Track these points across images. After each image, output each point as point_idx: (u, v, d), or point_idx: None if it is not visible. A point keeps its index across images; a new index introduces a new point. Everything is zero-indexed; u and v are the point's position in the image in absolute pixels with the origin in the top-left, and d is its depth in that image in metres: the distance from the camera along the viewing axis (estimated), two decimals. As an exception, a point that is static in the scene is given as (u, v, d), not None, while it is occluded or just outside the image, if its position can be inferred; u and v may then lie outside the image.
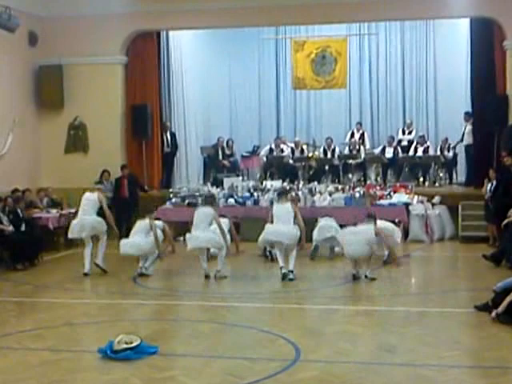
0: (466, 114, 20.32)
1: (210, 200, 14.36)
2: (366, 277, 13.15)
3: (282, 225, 13.34)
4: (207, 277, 13.63)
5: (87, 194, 14.74)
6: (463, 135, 20.30)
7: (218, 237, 13.66)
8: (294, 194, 18.24)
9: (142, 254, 13.99)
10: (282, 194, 14.10)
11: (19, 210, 15.76)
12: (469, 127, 20.04)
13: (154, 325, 10.53)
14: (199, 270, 13.91)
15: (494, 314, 9.94)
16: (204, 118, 24.12)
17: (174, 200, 19.15)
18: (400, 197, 18.57)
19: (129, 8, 19.46)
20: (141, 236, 14.03)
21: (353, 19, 21.01)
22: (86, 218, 14.42)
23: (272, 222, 13.50)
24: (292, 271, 13.33)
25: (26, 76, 19.85)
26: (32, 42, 19.85)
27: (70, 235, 14.86)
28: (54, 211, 17.79)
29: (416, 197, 18.77)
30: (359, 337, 9.54)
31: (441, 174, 21.07)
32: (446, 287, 13.03)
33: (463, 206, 18.31)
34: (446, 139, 21.34)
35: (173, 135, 21.79)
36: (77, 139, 20.51)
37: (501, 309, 9.87)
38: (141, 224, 14.25)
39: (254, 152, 23.56)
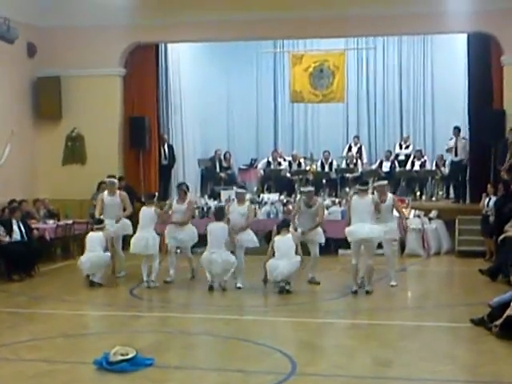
0: (456, 128, 19.99)
1: (220, 215, 14.16)
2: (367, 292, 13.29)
3: (283, 260, 13.23)
4: (211, 288, 13.66)
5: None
6: (456, 150, 19.84)
7: (231, 258, 13.66)
8: (290, 206, 18.29)
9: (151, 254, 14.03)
10: (283, 226, 13.84)
11: (14, 221, 15.73)
12: (462, 141, 19.78)
13: (149, 337, 10.51)
14: (195, 282, 13.92)
15: (494, 328, 9.93)
16: (201, 130, 24.14)
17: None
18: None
19: (127, 20, 19.48)
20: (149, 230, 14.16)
21: (351, 33, 21.09)
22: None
23: (273, 254, 13.41)
24: (289, 282, 13.35)
25: (24, 87, 19.87)
26: (30, 53, 19.87)
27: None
28: (50, 222, 17.79)
29: (413, 211, 18.80)
30: (355, 351, 9.54)
31: (440, 193, 21.03)
32: (442, 301, 13.06)
33: (460, 220, 18.34)
34: (442, 156, 21.32)
35: (170, 147, 21.78)
36: (74, 151, 20.51)
37: (498, 323, 9.87)
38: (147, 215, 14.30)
39: (252, 165, 23.60)
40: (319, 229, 14.20)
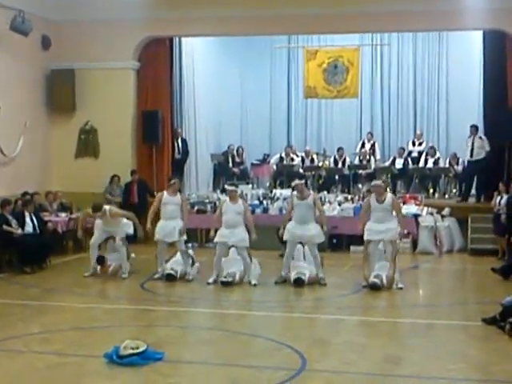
0: (473, 126, 19.49)
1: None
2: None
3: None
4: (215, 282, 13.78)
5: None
6: (472, 150, 19.21)
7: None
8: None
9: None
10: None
11: (27, 213, 15.77)
12: (479, 141, 19.17)
13: (160, 331, 10.51)
14: (207, 277, 13.92)
15: (508, 325, 9.88)
16: (215, 125, 24.12)
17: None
18: (410, 208, 18.53)
19: (142, 14, 19.44)
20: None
21: (365, 29, 20.98)
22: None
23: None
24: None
25: (38, 80, 19.88)
26: (45, 45, 19.87)
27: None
28: (63, 215, 17.82)
29: (426, 208, 18.73)
30: (366, 348, 9.51)
31: (453, 191, 20.93)
32: (453, 299, 13.01)
33: (473, 218, 18.24)
34: (455, 154, 21.17)
35: (184, 142, 21.75)
36: (87, 144, 20.49)
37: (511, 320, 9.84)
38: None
39: (265, 160, 23.59)
40: (316, 229, 13.80)
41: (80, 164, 20.40)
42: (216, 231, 13.92)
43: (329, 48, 23.75)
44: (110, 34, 19.90)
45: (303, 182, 14.73)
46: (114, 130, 20.16)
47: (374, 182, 14.13)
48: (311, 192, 14.72)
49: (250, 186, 20.97)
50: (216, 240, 13.84)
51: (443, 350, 9.36)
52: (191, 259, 14.59)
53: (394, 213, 13.68)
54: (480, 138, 19.29)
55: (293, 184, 14.59)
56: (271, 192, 20.14)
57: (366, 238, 13.66)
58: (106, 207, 14.94)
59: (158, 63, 20.86)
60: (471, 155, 19.31)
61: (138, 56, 20.67)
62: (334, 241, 18.24)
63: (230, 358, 9.02)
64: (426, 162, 21.51)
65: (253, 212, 18.18)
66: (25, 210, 15.83)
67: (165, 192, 14.55)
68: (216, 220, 14.07)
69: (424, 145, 22.43)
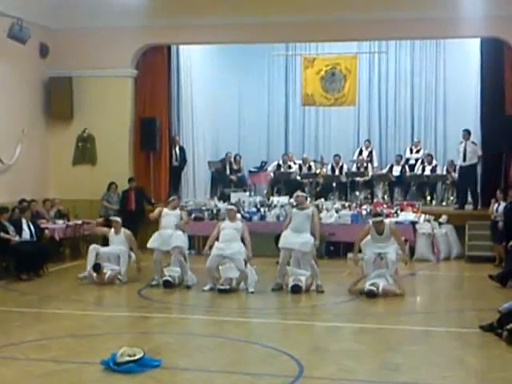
0: (466, 131, 19.61)
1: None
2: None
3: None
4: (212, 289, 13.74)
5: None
6: (465, 154, 19.37)
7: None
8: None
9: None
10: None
11: (24, 220, 15.76)
12: (471, 146, 19.39)
13: (157, 338, 10.51)
14: (203, 284, 13.92)
15: (505, 332, 9.86)
16: (212, 132, 24.14)
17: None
18: (407, 215, 18.55)
19: (140, 22, 19.48)
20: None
21: (363, 37, 20.99)
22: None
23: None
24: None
25: (35, 87, 19.89)
26: (43, 53, 19.90)
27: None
28: (60, 222, 17.81)
29: (423, 215, 18.74)
30: (363, 355, 9.50)
31: (451, 198, 20.94)
32: (451, 307, 13.01)
33: (470, 225, 18.25)
34: (452, 161, 21.17)
35: (181, 149, 21.75)
36: (85, 151, 20.49)
37: (509, 327, 9.81)
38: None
39: (262, 168, 23.59)
40: (307, 238, 13.77)
41: (77, 171, 20.40)
42: (211, 247, 13.93)
43: (326, 56, 23.75)
44: (108, 41, 19.94)
45: (305, 195, 14.95)
46: (111, 137, 20.17)
47: (374, 219, 13.92)
48: (311, 205, 14.79)
49: (248, 193, 20.98)
50: (212, 253, 13.78)
51: (441, 356, 9.35)
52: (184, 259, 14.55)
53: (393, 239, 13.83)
54: (472, 142, 19.37)
55: (294, 195, 14.65)
56: (268, 199, 20.15)
57: (363, 251, 13.77)
58: (125, 230, 15.13)
59: (155, 71, 20.89)
60: (464, 159, 19.36)
61: (136, 64, 20.70)
62: (332, 248, 18.24)
63: (227, 365, 9.01)
64: (423, 169, 21.54)
65: (250, 219, 18.22)
66: (22, 217, 15.85)
67: (164, 208, 14.78)
68: (213, 237, 14.05)
69: (421, 152, 22.43)
